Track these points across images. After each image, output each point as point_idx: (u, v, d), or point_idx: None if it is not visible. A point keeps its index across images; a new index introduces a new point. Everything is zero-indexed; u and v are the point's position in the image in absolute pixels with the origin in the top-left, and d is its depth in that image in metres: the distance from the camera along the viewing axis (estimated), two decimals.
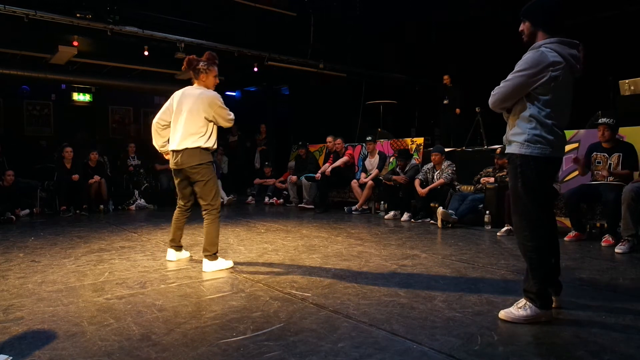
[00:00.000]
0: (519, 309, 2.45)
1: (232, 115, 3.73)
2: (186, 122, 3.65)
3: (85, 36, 8.43)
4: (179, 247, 4.06)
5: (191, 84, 3.87)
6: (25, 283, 3.30)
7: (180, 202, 3.98)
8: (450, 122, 9.55)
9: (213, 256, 3.66)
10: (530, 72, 2.35)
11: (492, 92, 2.51)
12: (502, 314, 2.48)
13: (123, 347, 2.14)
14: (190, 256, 4.14)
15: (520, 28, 2.55)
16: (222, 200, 9.15)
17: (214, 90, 3.80)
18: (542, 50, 2.37)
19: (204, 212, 3.72)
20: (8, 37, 8.38)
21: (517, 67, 2.41)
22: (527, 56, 2.40)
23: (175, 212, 4.00)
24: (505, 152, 2.59)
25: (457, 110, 9.30)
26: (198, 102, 3.65)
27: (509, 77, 2.42)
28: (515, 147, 2.47)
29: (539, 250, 2.46)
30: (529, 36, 2.51)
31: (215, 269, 3.63)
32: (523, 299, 2.48)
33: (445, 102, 9.47)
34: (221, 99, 3.73)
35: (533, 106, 2.40)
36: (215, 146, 3.76)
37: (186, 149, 3.62)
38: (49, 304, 2.81)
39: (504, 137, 2.61)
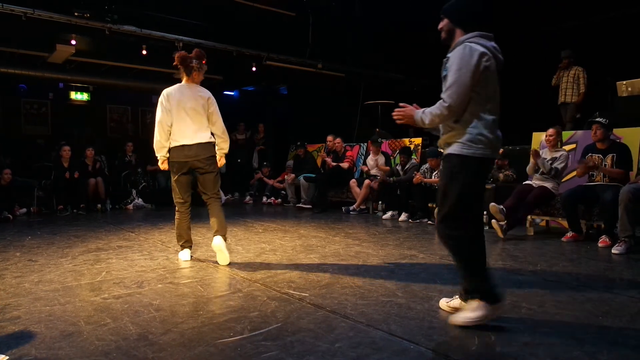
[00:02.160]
0: (471, 311, 2.36)
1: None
2: (193, 120, 3.85)
3: (83, 35, 8.41)
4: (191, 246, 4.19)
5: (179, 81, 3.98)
6: (22, 282, 3.29)
7: (181, 202, 4.00)
8: None
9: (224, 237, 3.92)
10: (470, 66, 2.30)
11: (442, 104, 2.36)
12: (455, 319, 2.40)
13: (120, 347, 2.13)
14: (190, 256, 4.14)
15: (440, 25, 2.53)
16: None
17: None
18: (469, 45, 2.35)
19: (210, 199, 3.97)
20: (6, 35, 8.34)
21: (453, 67, 2.34)
22: (458, 54, 2.35)
23: (180, 214, 4.01)
24: (444, 153, 2.50)
25: None
26: (201, 101, 3.87)
27: (452, 79, 2.33)
28: (456, 147, 2.38)
29: (470, 248, 2.42)
30: (447, 33, 2.50)
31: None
32: (473, 302, 2.39)
33: None
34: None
35: (472, 102, 2.35)
36: None
37: (200, 143, 3.85)
38: (45, 303, 2.80)
39: (439, 142, 2.56)
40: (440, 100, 2.37)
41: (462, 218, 2.40)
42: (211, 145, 3.93)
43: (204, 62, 3.91)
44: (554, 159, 5.26)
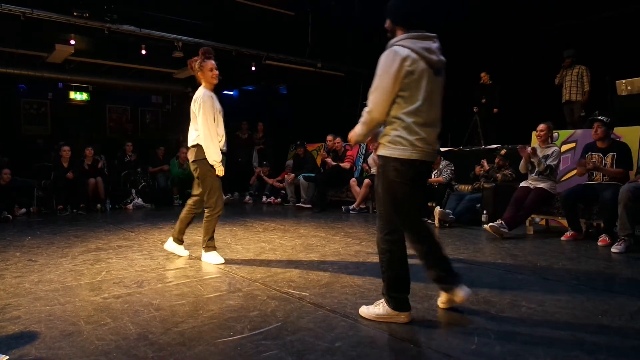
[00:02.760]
0: (375, 307, 2.49)
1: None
2: (192, 122, 3.86)
3: (82, 35, 8.40)
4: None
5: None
6: (21, 282, 3.29)
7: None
8: (486, 121, 8.95)
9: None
10: (390, 72, 2.31)
11: (365, 111, 2.43)
12: (362, 310, 2.55)
13: (120, 347, 2.14)
14: (190, 254, 4.14)
15: (385, 25, 2.53)
16: None
17: (216, 82, 3.88)
18: (393, 48, 2.35)
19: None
20: (5, 35, 8.34)
21: (377, 72, 2.38)
22: (382, 58, 2.37)
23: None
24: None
25: (495, 110, 8.73)
26: (194, 103, 3.82)
27: (374, 85, 2.38)
28: (381, 148, 2.45)
29: (390, 253, 2.44)
30: (391, 33, 2.49)
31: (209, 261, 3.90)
32: (382, 299, 2.49)
33: (482, 100, 8.89)
34: (207, 105, 3.76)
35: (395, 105, 2.38)
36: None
37: (190, 146, 3.86)
38: (45, 303, 2.80)
39: None
40: (365, 107, 2.43)
41: (391, 221, 2.45)
42: (195, 148, 3.80)
43: (206, 57, 3.81)
44: (546, 156, 5.25)
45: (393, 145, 2.38)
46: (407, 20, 2.42)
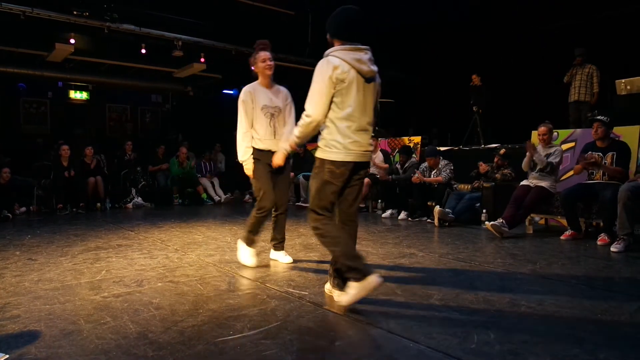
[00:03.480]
0: (348, 290, 2.58)
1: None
2: None
3: (82, 34, 8.41)
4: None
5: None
6: (21, 281, 3.29)
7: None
8: (477, 122, 8.93)
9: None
10: (323, 81, 2.55)
11: (303, 115, 2.67)
12: (338, 299, 2.67)
13: (120, 345, 2.14)
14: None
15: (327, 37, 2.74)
16: (219, 198, 9.18)
17: (269, 73, 3.72)
18: (327, 58, 2.59)
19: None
20: (5, 34, 8.34)
21: (313, 78, 2.61)
22: (317, 66, 2.60)
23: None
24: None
25: (480, 110, 8.73)
26: None
27: (310, 91, 2.61)
28: (318, 150, 2.70)
29: (329, 237, 2.64)
30: (330, 44, 2.70)
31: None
32: (348, 283, 2.59)
33: (472, 102, 8.89)
34: (240, 101, 3.66)
35: (330, 111, 2.61)
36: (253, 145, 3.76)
37: None
38: (45, 302, 2.80)
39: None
40: (303, 112, 2.67)
41: (322, 214, 2.66)
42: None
43: (258, 50, 3.70)
44: (548, 155, 5.25)
45: (328, 149, 2.62)
46: (341, 34, 2.64)
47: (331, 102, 2.59)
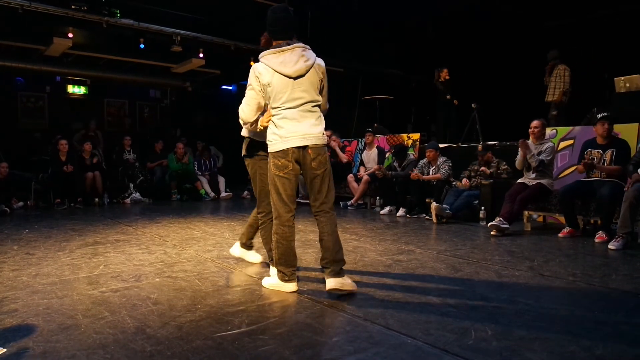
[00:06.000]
0: (271, 278, 3.01)
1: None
2: None
3: (80, 28, 8.36)
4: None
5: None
6: (19, 275, 3.29)
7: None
8: (451, 116, 9.11)
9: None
10: (253, 86, 2.82)
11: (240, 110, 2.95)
12: (263, 281, 3.05)
13: (117, 340, 2.14)
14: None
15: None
16: (214, 195, 9.17)
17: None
18: (254, 65, 2.83)
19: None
20: (2, 28, 8.29)
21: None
22: (250, 72, 2.83)
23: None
24: None
25: (456, 102, 8.90)
26: None
27: (245, 94, 2.89)
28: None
29: (277, 235, 2.87)
30: (268, 43, 2.98)
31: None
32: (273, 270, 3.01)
33: (447, 97, 8.96)
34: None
35: (269, 110, 2.86)
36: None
37: None
38: (43, 296, 2.80)
39: None
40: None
41: (267, 202, 3.03)
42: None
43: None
44: (540, 152, 5.25)
45: (270, 144, 2.83)
46: (271, 33, 2.89)
47: (266, 103, 2.85)
